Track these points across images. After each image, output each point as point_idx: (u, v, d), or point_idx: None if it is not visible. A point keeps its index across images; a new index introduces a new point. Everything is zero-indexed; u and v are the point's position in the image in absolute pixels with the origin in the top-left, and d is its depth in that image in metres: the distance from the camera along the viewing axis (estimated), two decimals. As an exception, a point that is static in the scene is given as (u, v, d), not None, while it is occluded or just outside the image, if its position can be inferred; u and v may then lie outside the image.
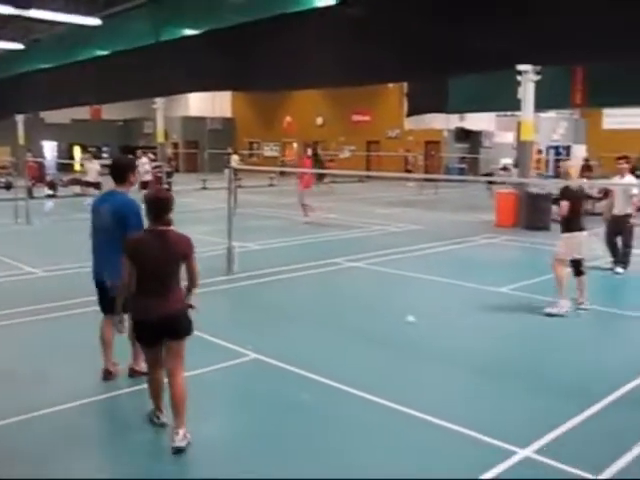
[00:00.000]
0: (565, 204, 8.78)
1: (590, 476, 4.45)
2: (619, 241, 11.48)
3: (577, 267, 8.96)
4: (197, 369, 6.44)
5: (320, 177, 31.75)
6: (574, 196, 8.86)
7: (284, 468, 4.65)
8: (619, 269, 11.38)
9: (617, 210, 11.37)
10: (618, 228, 11.39)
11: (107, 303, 5.82)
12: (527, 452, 4.79)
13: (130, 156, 11.62)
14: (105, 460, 5.01)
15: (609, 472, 4.52)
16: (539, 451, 4.81)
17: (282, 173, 31.80)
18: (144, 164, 22.76)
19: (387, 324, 8.34)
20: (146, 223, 5.24)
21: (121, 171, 6.04)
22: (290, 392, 6.00)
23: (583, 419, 5.39)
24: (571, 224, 8.84)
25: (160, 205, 4.98)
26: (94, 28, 22.87)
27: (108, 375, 6.18)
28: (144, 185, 21.39)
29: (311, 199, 18.40)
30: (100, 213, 5.94)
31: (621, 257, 11.48)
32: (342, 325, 8.31)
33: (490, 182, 24.87)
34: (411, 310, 8.72)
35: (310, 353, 7.07)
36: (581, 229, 8.87)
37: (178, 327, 5.04)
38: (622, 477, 4.48)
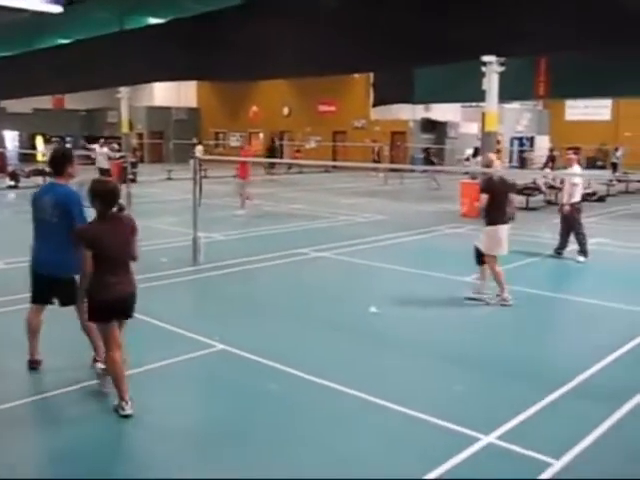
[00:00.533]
0: (484, 197, 8.62)
1: (551, 460, 4.54)
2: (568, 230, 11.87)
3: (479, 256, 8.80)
4: (163, 360, 6.43)
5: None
6: (495, 188, 8.67)
7: (252, 458, 4.66)
8: (580, 258, 11.62)
9: (565, 199, 11.75)
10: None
11: (41, 293, 5.99)
12: (490, 438, 4.87)
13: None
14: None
15: (569, 456, 4.62)
16: (502, 437, 4.89)
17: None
18: (103, 154, 22.53)
19: (353, 314, 8.38)
20: (91, 213, 5.39)
21: (59, 163, 5.98)
22: (257, 382, 6.00)
23: (544, 405, 5.49)
24: (493, 217, 8.65)
25: (112, 195, 5.26)
26: (56, 16, 22.45)
27: (35, 364, 6.11)
28: (102, 173, 21.25)
29: (251, 190, 18.26)
30: (41, 205, 5.86)
31: (580, 246, 11.75)
32: (309, 315, 8.33)
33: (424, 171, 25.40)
34: (377, 300, 8.78)
35: (277, 343, 7.08)
36: (504, 222, 8.69)
37: (134, 306, 5.43)
38: (581, 461, 4.58)
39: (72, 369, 6.19)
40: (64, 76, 24.72)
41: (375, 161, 34.52)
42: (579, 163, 12.48)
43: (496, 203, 8.62)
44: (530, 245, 12.76)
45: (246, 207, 17.66)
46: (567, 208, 11.65)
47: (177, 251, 11.85)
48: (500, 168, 8.99)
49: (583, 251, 11.67)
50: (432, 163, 28.98)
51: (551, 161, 30.29)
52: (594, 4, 13.28)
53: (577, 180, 11.61)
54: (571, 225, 11.74)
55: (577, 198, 11.69)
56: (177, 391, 5.95)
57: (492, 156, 9.68)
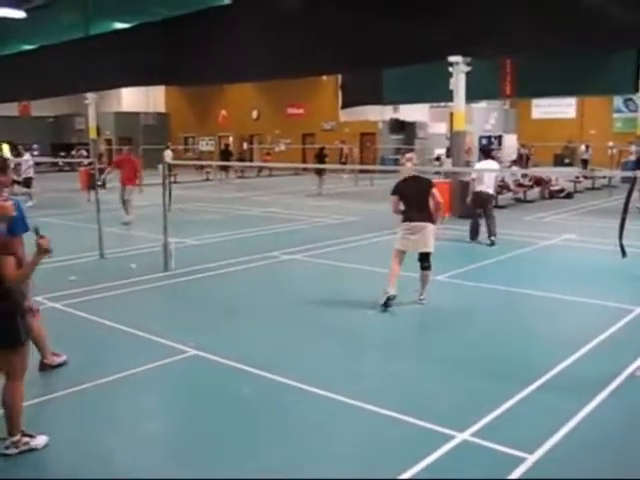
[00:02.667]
0: (394, 199, 8.81)
1: (525, 455, 4.59)
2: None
3: (422, 261, 8.82)
4: (135, 367, 6.38)
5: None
6: (403, 190, 8.81)
7: (227, 463, 4.64)
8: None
9: (484, 188, 13.30)
10: (482, 205, 13.36)
11: None
12: (465, 435, 4.90)
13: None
14: None
15: (542, 449, 4.67)
16: (476, 434, 4.93)
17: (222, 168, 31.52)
18: (27, 160, 22.34)
19: (325, 315, 8.39)
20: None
21: None
22: (231, 387, 5.98)
23: (517, 400, 5.54)
24: (405, 214, 8.80)
25: None
26: (19, 21, 22.20)
27: None
28: (27, 182, 21.03)
29: (136, 197, 17.14)
30: None
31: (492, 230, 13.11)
32: (281, 318, 8.32)
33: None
34: (352, 300, 8.81)
35: (251, 347, 7.06)
36: (410, 220, 8.70)
37: None
38: (554, 454, 4.64)
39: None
40: (29, 82, 24.38)
41: (343, 163, 34.59)
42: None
43: (408, 203, 8.78)
44: (499, 242, 12.90)
45: (131, 215, 16.62)
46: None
47: (148, 257, 11.76)
48: (410, 170, 9.11)
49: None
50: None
51: (525, 159, 30.62)
52: (560, 6, 13.46)
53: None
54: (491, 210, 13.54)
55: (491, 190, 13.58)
56: (150, 398, 5.91)
57: (407, 157, 9.68)
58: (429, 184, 9.02)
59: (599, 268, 10.88)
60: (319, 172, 25.29)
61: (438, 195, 8.86)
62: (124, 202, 16.66)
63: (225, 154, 34.60)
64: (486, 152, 15.12)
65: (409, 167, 9.23)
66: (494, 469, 4.47)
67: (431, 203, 8.77)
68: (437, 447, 4.72)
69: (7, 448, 4.66)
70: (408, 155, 9.92)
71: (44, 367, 6.22)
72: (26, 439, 4.72)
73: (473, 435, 4.91)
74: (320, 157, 26.61)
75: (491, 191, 13.60)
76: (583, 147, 33.14)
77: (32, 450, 4.72)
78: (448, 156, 22.14)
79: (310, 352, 6.97)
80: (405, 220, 8.76)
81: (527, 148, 32.96)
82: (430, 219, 8.70)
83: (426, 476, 4.40)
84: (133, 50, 19.57)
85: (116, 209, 16.41)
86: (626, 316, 7.93)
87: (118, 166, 17.51)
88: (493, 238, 13.04)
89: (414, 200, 8.76)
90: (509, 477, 4.33)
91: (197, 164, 34.21)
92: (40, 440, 4.77)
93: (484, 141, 37.08)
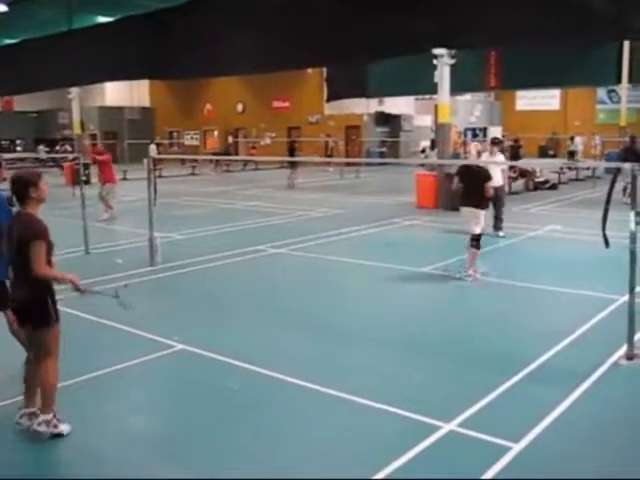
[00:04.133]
0: (456, 180, 9.78)
1: (510, 444, 4.63)
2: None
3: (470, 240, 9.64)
4: (121, 363, 6.38)
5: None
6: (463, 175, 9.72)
7: (216, 458, 4.66)
8: (501, 233, 13.00)
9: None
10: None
11: None
12: (451, 426, 4.94)
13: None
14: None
15: (528, 439, 4.72)
16: (462, 424, 4.97)
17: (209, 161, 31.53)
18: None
19: (311, 308, 8.42)
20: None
21: None
22: (217, 380, 5.99)
23: (502, 390, 5.59)
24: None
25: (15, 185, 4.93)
26: (1, 15, 22.01)
27: None
28: None
29: (114, 195, 16.96)
30: None
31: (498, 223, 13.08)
32: (267, 311, 8.33)
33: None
34: (338, 293, 8.83)
35: (237, 341, 7.07)
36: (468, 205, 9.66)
37: (27, 315, 4.96)
38: (539, 444, 4.69)
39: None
40: (12, 77, 24.24)
41: (328, 156, 34.59)
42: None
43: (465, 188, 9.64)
44: (486, 234, 12.96)
45: (107, 213, 16.40)
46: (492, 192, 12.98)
47: (133, 252, 11.73)
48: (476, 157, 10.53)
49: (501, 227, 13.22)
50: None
51: (515, 150, 30.62)
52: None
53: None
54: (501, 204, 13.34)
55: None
56: (137, 393, 5.91)
57: (473, 145, 10.79)
58: (487, 175, 9.63)
59: (583, 258, 10.96)
60: (293, 165, 25.44)
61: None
62: (102, 199, 16.47)
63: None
64: (497, 144, 13.94)
65: (474, 154, 10.40)
66: (480, 458, 4.51)
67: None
68: (424, 438, 4.76)
69: (39, 425, 4.80)
70: (475, 143, 10.89)
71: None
72: (56, 421, 4.83)
73: (459, 425, 4.96)
74: (291, 151, 26.79)
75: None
76: (578, 139, 32.92)
77: (58, 435, 4.83)
78: (432, 148, 22.20)
79: (298, 346, 6.98)
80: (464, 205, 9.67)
81: (519, 140, 32.90)
82: (477, 205, 9.52)
83: (414, 467, 4.43)
84: (116, 44, 19.49)
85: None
86: (610, 305, 8.00)
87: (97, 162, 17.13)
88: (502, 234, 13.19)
89: (468, 186, 9.61)
90: (495, 465, 4.37)
91: (181, 158, 34.10)
92: (66, 428, 4.88)
93: (469, 133, 37.21)
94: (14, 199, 4.96)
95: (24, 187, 4.85)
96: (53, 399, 4.87)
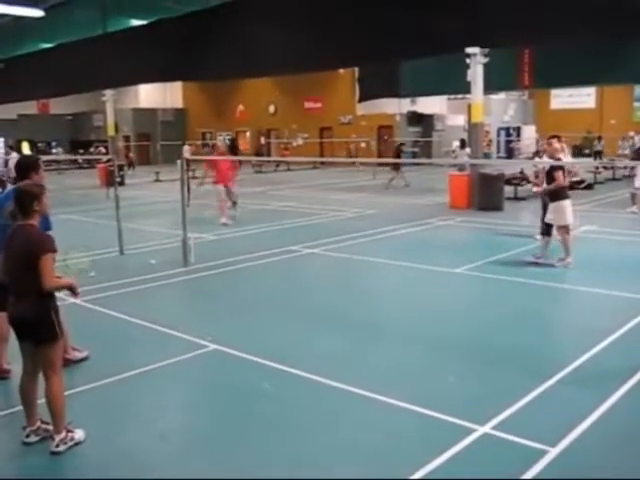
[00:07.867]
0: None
1: (547, 447, 4.55)
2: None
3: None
4: (155, 363, 6.41)
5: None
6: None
7: (250, 458, 4.65)
8: (538, 236, 12.33)
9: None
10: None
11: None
12: (486, 429, 4.87)
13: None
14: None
15: (565, 442, 4.63)
16: (497, 427, 4.90)
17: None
18: (14, 159, 22.41)
19: (345, 309, 8.38)
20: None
21: (23, 170, 5.83)
22: (251, 381, 5.99)
23: (539, 393, 5.50)
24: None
25: (20, 198, 4.80)
26: (37, 20, 22.34)
27: (5, 373, 6.04)
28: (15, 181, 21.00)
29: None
30: (3, 212, 5.56)
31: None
32: (301, 312, 8.32)
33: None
34: (370, 293, 8.78)
35: (270, 341, 7.07)
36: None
37: (32, 331, 4.77)
38: (577, 447, 4.60)
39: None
40: (48, 81, 24.60)
41: (351, 156, 34.51)
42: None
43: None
44: (519, 234, 12.82)
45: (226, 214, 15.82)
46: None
47: (167, 252, 11.81)
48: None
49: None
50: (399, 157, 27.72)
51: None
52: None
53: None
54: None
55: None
56: (170, 393, 5.94)
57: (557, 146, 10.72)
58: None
59: (619, 259, 10.77)
60: (396, 166, 24.76)
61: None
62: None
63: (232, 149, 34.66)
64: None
65: (557, 147, 10.69)
66: (517, 462, 4.43)
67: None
68: (458, 440, 4.70)
69: (57, 446, 4.73)
70: (553, 140, 10.89)
71: (66, 362, 6.25)
72: (70, 434, 4.81)
73: (494, 428, 4.88)
74: (397, 154, 26.42)
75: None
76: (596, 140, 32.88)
77: (77, 444, 4.80)
78: (462, 147, 22.01)
79: (330, 346, 6.95)
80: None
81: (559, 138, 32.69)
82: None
83: (448, 468, 4.38)
84: (150, 46, 19.69)
85: (135, 205, 16.48)
86: (648, 307, 7.85)
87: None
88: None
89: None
90: (532, 469, 4.30)
91: (214, 159, 34.23)
92: (81, 434, 4.87)
93: (503, 133, 36.84)
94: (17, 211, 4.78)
95: (30, 201, 4.75)
96: (64, 417, 4.79)
